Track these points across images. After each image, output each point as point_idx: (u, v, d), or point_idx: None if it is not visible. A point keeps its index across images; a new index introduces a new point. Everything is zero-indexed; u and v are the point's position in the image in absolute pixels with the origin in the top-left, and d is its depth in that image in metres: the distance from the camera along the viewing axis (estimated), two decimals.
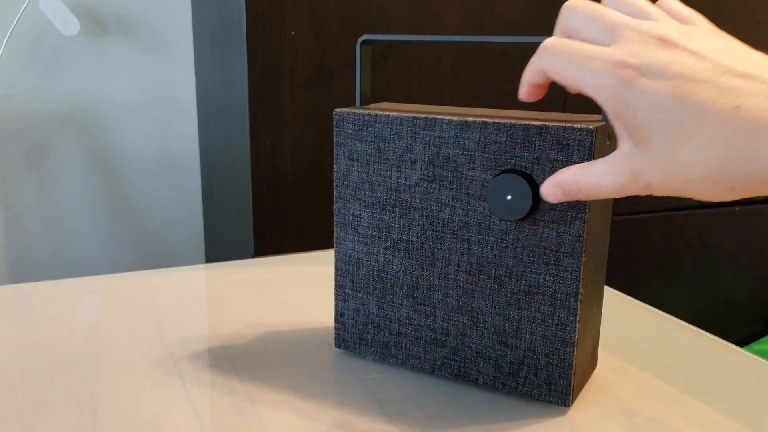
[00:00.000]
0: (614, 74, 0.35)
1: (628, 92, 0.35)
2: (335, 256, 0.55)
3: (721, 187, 0.34)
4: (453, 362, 0.52)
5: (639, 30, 0.36)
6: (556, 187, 0.41)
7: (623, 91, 0.35)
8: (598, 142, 0.44)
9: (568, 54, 0.37)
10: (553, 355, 0.48)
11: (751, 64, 0.34)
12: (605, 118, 0.45)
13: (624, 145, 0.37)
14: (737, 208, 1.55)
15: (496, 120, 0.47)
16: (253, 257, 1.12)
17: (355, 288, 0.54)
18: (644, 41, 0.35)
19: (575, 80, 0.37)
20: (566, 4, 0.39)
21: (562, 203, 0.45)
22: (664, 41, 0.35)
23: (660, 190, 0.36)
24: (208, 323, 0.63)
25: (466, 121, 0.47)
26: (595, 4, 0.38)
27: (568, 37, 0.39)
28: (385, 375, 0.54)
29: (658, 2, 0.40)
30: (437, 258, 0.51)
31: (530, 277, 0.48)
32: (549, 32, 0.42)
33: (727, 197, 0.35)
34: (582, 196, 0.40)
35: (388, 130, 0.50)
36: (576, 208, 0.45)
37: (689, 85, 0.34)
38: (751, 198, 1.22)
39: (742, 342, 1.67)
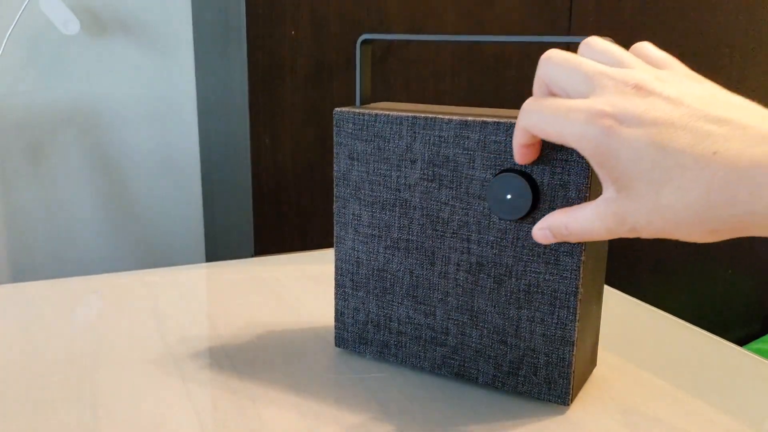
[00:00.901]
0: (593, 124, 0.36)
1: (608, 141, 0.36)
2: (335, 255, 0.55)
3: (703, 230, 0.35)
4: (453, 361, 0.52)
5: (615, 78, 0.37)
6: (546, 230, 0.42)
7: (603, 140, 0.36)
8: None
9: (548, 110, 0.38)
10: (552, 354, 0.48)
11: (727, 108, 0.35)
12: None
13: (608, 191, 0.38)
14: None
15: (496, 119, 0.47)
16: (253, 256, 1.12)
17: (354, 287, 0.55)
18: (620, 90, 0.36)
19: (557, 135, 0.38)
20: (543, 56, 0.40)
21: (562, 204, 0.46)
22: (639, 88, 0.36)
23: (646, 233, 0.37)
24: (208, 322, 0.64)
25: (466, 121, 0.48)
26: (572, 55, 0.39)
27: (548, 88, 0.40)
28: (385, 374, 0.54)
29: (633, 47, 0.41)
30: (437, 257, 0.51)
31: (530, 276, 0.48)
32: (548, 31, 0.43)
33: (711, 239, 0.35)
34: (572, 240, 0.41)
35: (388, 129, 0.51)
36: None
37: (667, 132, 0.34)
38: None
39: (741, 341, 1.67)
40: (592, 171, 0.45)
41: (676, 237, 0.36)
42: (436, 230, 0.50)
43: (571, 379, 0.48)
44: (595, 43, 0.40)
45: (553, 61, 0.39)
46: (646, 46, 0.40)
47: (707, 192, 0.33)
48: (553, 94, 0.40)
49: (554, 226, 0.41)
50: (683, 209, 0.34)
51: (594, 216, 0.38)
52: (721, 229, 0.34)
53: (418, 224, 0.51)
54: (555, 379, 0.48)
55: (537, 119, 0.39)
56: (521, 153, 0.43)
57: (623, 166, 0.35)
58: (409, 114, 0.50)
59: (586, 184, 0.45)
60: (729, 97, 0.36)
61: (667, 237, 0.36)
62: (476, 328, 0.50)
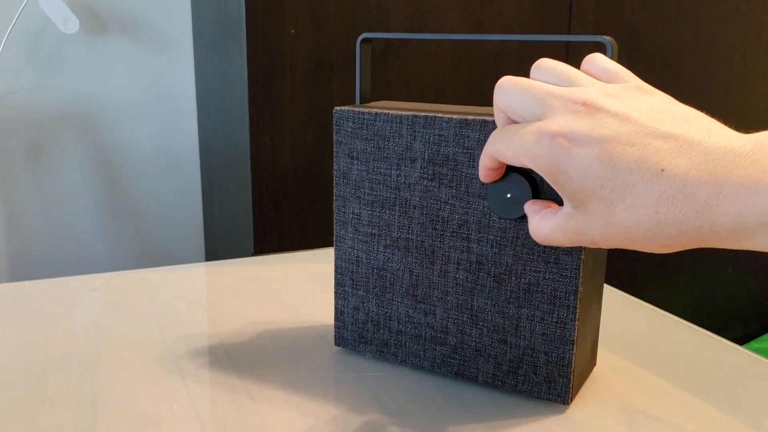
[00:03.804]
0: (542, 144, 0.37)
1: (558, 159, 0.36)
2: (335, 254, 0.55)
3: (656, 245, 0.36)
4: (452, 360, 0.52)
5: (563, 98, 0.37)
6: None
7: (553, 158, 0.36)
8: None
9: (504, 136, 0.39)
10: (552, 353, 0.48)
11: (675, 122, 0.35)
12: None
13: (567, 206, 0.39)
14: None
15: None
16: (252, 255, 1.12)
17: (354, 286, 0.55)
18: (569, 109, 0.37)
19: (513, 157, 0.39)
20: (498, 84, 0.41)
21: (561, 200, 0.46)
22: (587, 106, 0.36)
23: (605, 245, 0.38)
24: (208, 321, 0.64)
25: (466, 120, 0.48)
26: (523, 80, 0.40)
27: (506, 116, 0.41)
28: (385, 373, 0.54)
29: (585, 59, 0.42)
30: (437, 256, 0.51)
31: (530, 275, 0.48)
32: (548, 30, 0.43)
33: (666, 251, 0.36)
34: (544, 244, 0.42)
35: (388, 128, 0.50)
36: None
37: (615, 149, 0.35)
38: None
39: (740, 340, 1.67)
40: None
41: (633, 248, 0.37)
42: (436, 229, 0.50)
43: (571, 378, 0.48)
44: (546, 64, 0.41)
45: (505, 89, 0.40)
46: (598, 58, 0.41)
47: (656, 210, 0.34)
48: (512, 121, 0.41)
49: (531, 230, 0.42)
50: (635, 225, 0.35)
51: (557, 227, 0.39)
52: (673, 244, 0.35)
53: (418, 223, 0.51)
54: (555, 378, 0.48)
55: (498, 145, 0.40)
56: (487, 174, 0.44)
57: (576, 184, 0.36)
58: (409, 113, 0.50)
59: None
60: (678, 109, 0.36)
61: (624, 247, 0.37)
62: (476, 327, 0.50)
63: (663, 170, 0.34)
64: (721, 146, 0.33)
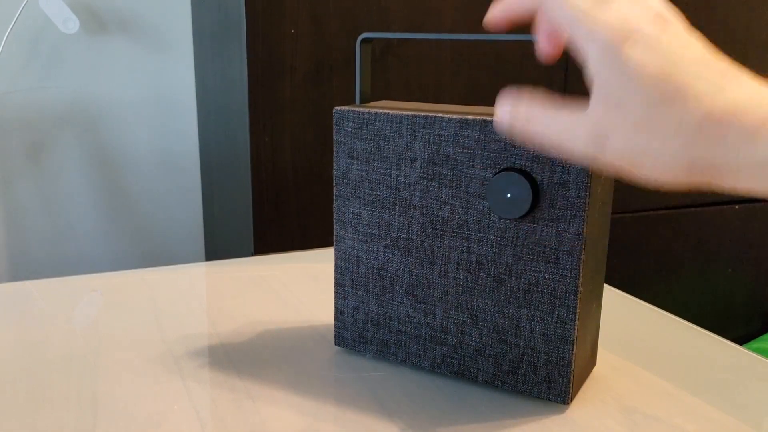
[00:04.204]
0: (609, 32, 0.36)
1: (617, 55, 0.35)
2: (335, 254, 0.55)
3: (679, 166, 0.35)
4: (452, 360, 0.52)
5: (637, 1, 0.37)
6: (510, 114, 0.40)
7: (613, 51, 0.35)
8: None
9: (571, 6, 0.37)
10: (552, 352, 0.48)
11: (726, 64, 0.36)
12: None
13: (597, 103, 0.37)
14: (737, 207, 1.55)
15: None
16: (252, 255, 1.12)
17: (354, 286, 0.55)
18: (643, 10, 0.36)
19: (566, 28, 0.37)
20: None
21: (561, 203, 0.46)
22: (659, 17, 0.36)
23: (617, 157, 0.36)
24: (208, 321, 0.64)
25: (466, 119, 0.47)
26: None
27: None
28: (385, 373, 0.54)
29: None
30: (437, 256, 0.51)
31: (530, 275, 0.48)
32: None
33: (679, 179, 0.35)
34: (532, 138, 0.39)
35: (388, 128, 0.50)
36: (576, 206, 0.45)
37: (676, 67, 0.35)
38: (750, 197, 1.22)
39: (740, 340, 1.67)
40: (592, 171, 0.45)
41: (640, 170, 0.36)
42: (436, 229, 0.50)
43: (571, 378, 0.48)
44: None
45: None
46: None
47: (697, 129, 0.34)
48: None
49: (524, 116, 0.39)
50: (669, 137, 0.35)
51: (576, 125, 0.37)
52: (683, 175, 0.35)
53: (418, 223, 0.51)
54: (555, 378, 0.48)
55: (560, 12, 0.37)
56: (503, 17, 0.41)
57: (622, 80, 0.35)
58: (409, 113, 0.50)
59: (586, 184, 0.45)
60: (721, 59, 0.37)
61: (631, 168, 0.36)
62: (476, 327, 0.50)
63: (713, 98, 0.34)
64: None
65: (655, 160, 0.36)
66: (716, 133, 0.34)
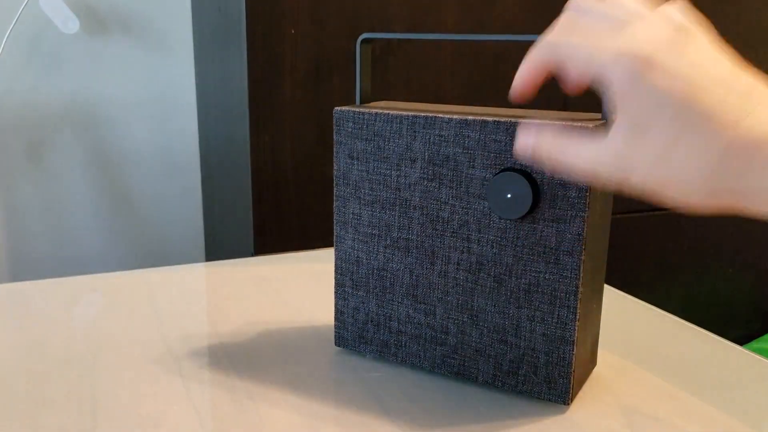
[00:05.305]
0: (625, 63, 0.35)
1: (642, 83, 0.35)
2: (335, 254, 0.55)
3: (704, 192, 0.34)
4: (452, 360, 0.52)
5: (654, 18, 0.36)
6: (532, 147, 0.40)
7: (634, 76, 0.35)
8: None
9: (579, 39, 0.37)
10: (552, 353, 0.48)
11: (753, 81, 0.35)
12: (605, 116, 0.45)
13: (620, 130, 0.36)
14: None
15: (496, 118, 0.47)
16: (252, 255, 1.12)
17: (354, 286, 0.55)
18: (662, 29, 0.35)
19: (587, 66, 0.36)
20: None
21: (562, 203, 0.45)
22: (680, 30, 0.35)
23: (637, 182, 0.36)
24: (208, 321, 0.63)
25: (466, 120, 0.47)
26: None
27: (574, 24, 0.39)
28: (385, 373, 0.54)
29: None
30: (437, 256, 0.51)
31: (530, 275, 0.48)
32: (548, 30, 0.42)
33: (706, 203, 0.35)
34: (555, 167, 0.39)
35: (388, 128, 0.50)
36: (576, 206, 0.45)
37: (699, 88, 0.34)
38: None
39: (741, 340, 1.67)
40: None
41: (668, 194, 0.35)
42: (436, 229, 0.50)
43: (571, 378, 0.48)
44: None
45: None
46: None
47: (720, 159, 0.33)
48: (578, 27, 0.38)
49: (547, 147, 0.39)
50: (694, 164, 0.34)
51: (601, 155, 0.37)
52: (721, 196, 0.34)
53: (418, 223, 0.51)
54: (555, 379, 0.48)
55: (572, 42, 0.37)
56: (525, 83, 0.40)
57: (645, 108, 0.35)
58: (409, 113, 0.50)
59: (587, 184, 0.45)
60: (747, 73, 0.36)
61: (657, 193, 0.36)
62: (476, 328, 0.50)
63: (736, 123, 0.33)
64: None
65: (680, 186, 0.35)
66: (741, 161, 0.33)
